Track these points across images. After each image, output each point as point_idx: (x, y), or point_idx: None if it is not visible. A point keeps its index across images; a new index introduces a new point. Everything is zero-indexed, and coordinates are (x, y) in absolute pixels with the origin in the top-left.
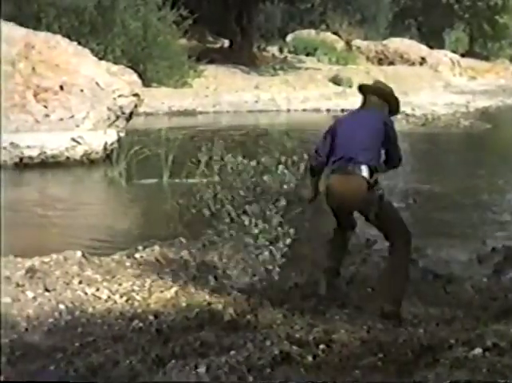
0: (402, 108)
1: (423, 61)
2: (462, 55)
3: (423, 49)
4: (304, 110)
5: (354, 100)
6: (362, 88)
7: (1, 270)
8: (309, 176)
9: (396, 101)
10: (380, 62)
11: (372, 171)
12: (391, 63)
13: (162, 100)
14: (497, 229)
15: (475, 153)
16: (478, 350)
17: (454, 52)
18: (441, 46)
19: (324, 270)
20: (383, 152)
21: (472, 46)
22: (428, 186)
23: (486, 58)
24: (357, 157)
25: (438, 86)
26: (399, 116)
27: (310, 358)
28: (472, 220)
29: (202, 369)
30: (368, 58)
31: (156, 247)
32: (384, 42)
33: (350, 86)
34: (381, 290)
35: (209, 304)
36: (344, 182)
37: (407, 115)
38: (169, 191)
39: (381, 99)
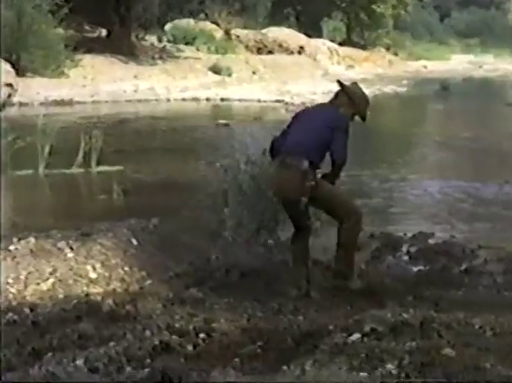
0: (281, 97)
1: (301, 49)
2: (340, 44)
3: (301, 38)
4: (183, 99)
5: (233, 89)
6: (340, 84)
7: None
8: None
9: (366, 108)
10: (259, 51)
11: (311, 164)
12: (270, 52)
13: (37, 90)
14: (374, 215)
15: (353, 141)
16: (356, 336)
17: (332, 41)
18: (319, 35)
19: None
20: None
21: (349, 35)
22: None
23: (364, 47)
24: (298, 150)
25: (316, 75)
26: (279, 105)
27: (190, 347)
28: None
29: (80, 361)
30: (247, 47)
31: (32, 239)
32: (263, 31)
33: (229, 75)
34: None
35: (87, 295)
36: (281, 174)
37: (286, 103)
38: (45, 182)
39: (351, 100)
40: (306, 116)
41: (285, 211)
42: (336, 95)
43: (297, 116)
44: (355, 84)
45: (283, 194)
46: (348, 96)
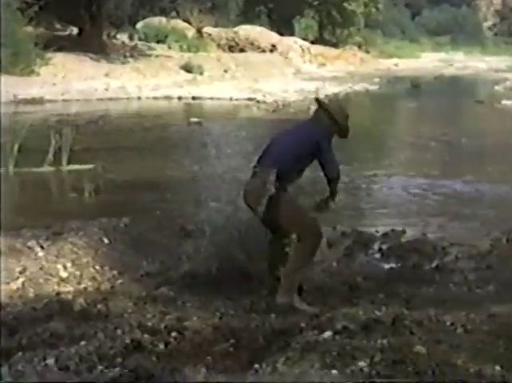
0: (253, 95)
1: (273, 48)
2: (312, 42)
3: (273, 37)
4: (155, 98)
5: (205, 88)
6: (318, 103)
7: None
8: None
9: (346, 123)
10: (231, 49)
11: (280, 176)
12: (242, 50)
13: (7, 88)
14: (345, 213)
15: None
16: (328, 333)
17: (304, 39)
18: (291, 33)
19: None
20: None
21: (321, 33)
22: None
23: (335, 45)
24: (268, 160)
25: (288, 73)
26: (250, 103)
27: (162, 346)
28: None
29: (51, 360)
30: (219, 45)
31: (1, 238)
32: (235, 29)
33: (201, 73)
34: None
35: (58, 294)
36: (248, 183)
37: (258, 102)
38: (15, 181)
39: (331, 119)
40: (284, 132)
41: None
42: (315, 113)
43: (275, 136)
44: (333, 100)
45: (248, 203)
46: (328, 113)
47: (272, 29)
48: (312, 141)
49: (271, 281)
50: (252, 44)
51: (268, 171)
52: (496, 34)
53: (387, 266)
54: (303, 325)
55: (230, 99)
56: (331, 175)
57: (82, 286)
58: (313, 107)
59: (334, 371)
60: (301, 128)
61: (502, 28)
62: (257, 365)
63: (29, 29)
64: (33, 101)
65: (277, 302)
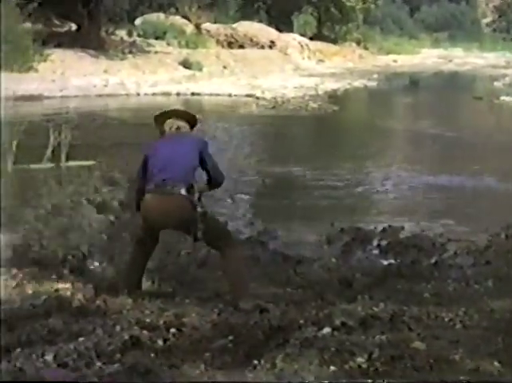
0: (252, 92)
1: (272, 44)
2: (311, 38)
3: (272, 33)
4: (153, 94)
5: (204, 84)
6: (166, 115)
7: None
8: (134, 198)
9: (193, 117)
10: (230, 45)
11: (190, 190)
12: (241, 46)
13: (5, 85)
14: (345, 211)
15: (323, 136)
16: (326, 329)
17: (302, 35)
18: (290, 30)
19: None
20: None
21: (320, 29)
22: (278, 169)
23: (334, 41)
24: (175, 178)
25: (287, 69)
26: (249, 99)
27: (161, 342)
28: (321, 203)
29: (49, 357)
30: (217, 42)
31: (0, 235)
32: (234, 26)
33: (200, 69)
34: (232, 291)
35: (57, 291)
36: (164, 201)
37: (257, 98)
38: (13, 178)
39: (185, 121)
40: (168, 147)
41: (148, 232)
42: (169, 126)
43: (154, 151)
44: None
45: (169, 221)
46: (182, 117)
47: (270, 26)
48: (196, 150)
49: (129, 281)
50: (251, 40)
51: (180, 188)
52: (495, 31)
53: (385, 263)
54: (301, 321)
55: (229, 95)
56: (221, 180)
57: (81, 282)
58: (312, 103)
59: (332, 367)
60: (182, 143)
61: (500, 24)
62: (255, 361)
63: (28, 25)
64: (31, 98)
65: (242, 308)
